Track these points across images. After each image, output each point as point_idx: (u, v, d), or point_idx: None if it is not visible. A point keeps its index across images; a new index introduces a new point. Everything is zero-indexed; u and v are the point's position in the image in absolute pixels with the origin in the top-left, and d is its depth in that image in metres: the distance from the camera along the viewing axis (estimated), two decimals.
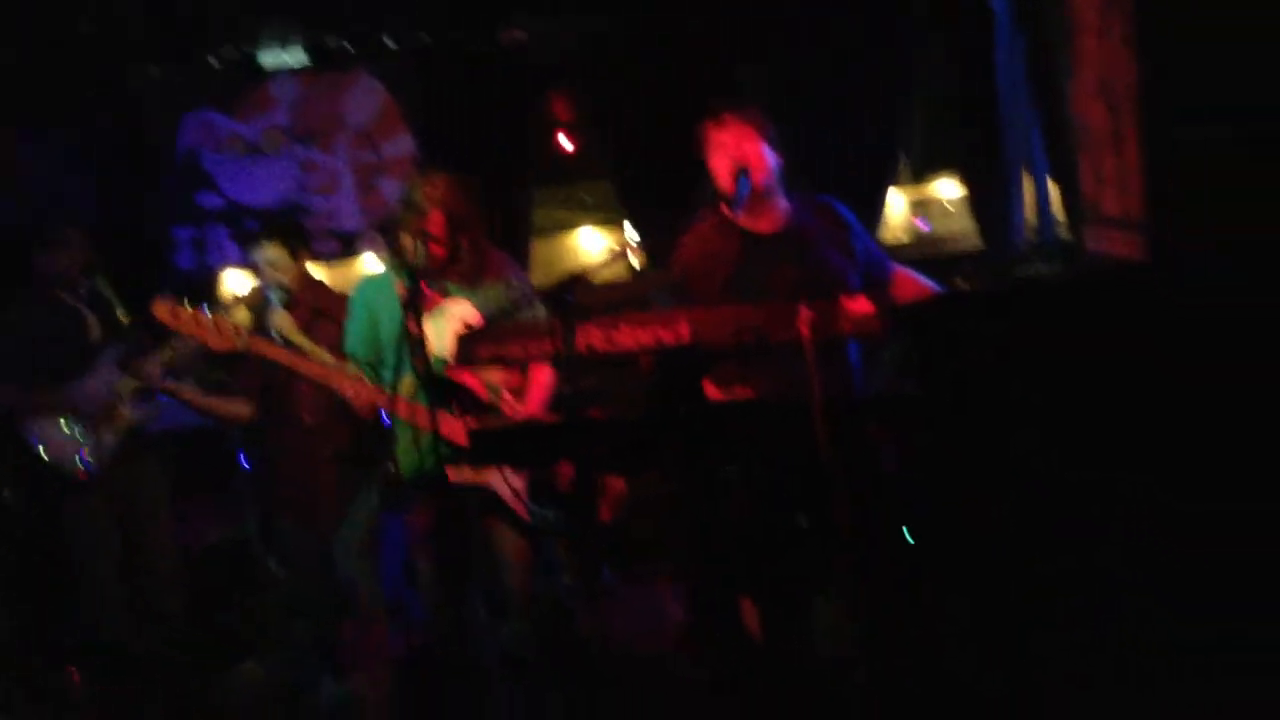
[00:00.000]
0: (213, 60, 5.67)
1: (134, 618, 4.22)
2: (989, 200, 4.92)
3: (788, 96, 5.26)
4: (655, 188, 5.23)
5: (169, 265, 5.71)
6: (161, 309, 3.36)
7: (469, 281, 3.43)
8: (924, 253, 6.02)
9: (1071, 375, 2.09)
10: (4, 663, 4.46)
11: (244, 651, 4.59)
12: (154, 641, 4.28)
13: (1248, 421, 2.11)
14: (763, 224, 3.18)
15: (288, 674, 4.24)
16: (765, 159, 3.12)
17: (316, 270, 5.73)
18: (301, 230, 4.30)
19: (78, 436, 4.06)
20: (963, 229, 5.43)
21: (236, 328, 3.38)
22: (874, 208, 5.26)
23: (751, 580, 3.21)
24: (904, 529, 2.60)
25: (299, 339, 3.64)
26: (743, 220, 3.17)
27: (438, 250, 3.28)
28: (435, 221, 3.29)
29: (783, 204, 3.23)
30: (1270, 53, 2.62)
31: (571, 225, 6.63)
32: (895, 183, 5.65)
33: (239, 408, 4.08)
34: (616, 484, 4.09)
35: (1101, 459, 2.08)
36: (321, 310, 3.97)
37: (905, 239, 6.27)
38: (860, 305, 2.56)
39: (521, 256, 5.60)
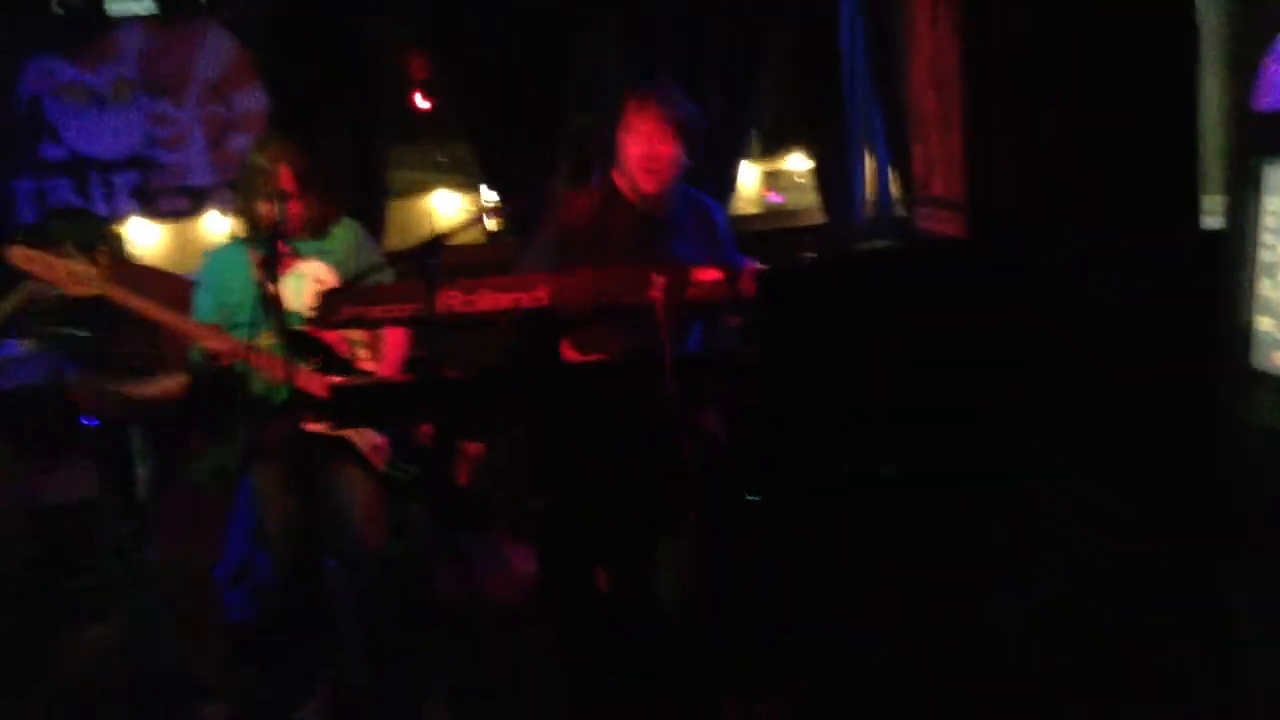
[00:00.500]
0: (56, 6, 5.49)
1: None
2: (832, 176, 5.13)
3: (640, 68, 5.38)
4: (515, 152, 5.28)
5: (9, 218, 5.48)
6: (16, 252, 3.28)
7: (316, 234, 3.48)
8: (775, 225, 6.23)
9: (886, 340, 2.27)
10: None
11: (93, 617, 4.53)
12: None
13: (1048, 397, 2.33)
14: (647, 205, 3.30)
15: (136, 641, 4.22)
16: (676, 162, 3.25)
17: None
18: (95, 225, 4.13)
19: None
20: (812, 203, 5.63)
21: (92, 271, 3.32)
22: (726, 181, 5.41)
23: (597, 535, 3.38)
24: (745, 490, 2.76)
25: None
26: (628, 195, 3.29)
27: (294, 207, 3.33)
28: (286, 178, 3.33)
29: (676, 191, 3.37)
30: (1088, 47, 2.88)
31: (427, 187, 6.60)
32: (747, 156, 5.82)
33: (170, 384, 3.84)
34: (472, 446, 4.17)
35: (912, 418, 2.27)
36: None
37: (757, 210, 6.45)
38: (709, 273, 2.72)
39: (377, 215, 5.58)
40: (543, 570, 3.23)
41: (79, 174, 5.56)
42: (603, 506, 3.36)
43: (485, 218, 5.77)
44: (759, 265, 3.50)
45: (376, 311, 2.66)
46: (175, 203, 5.62)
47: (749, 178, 6.40)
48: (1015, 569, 2.46)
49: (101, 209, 5.61)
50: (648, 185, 3.22)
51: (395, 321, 2.69)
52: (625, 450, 3.20)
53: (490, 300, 2.65)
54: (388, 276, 3.28)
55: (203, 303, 3.50)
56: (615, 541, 3.33)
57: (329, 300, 2.66)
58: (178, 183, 5.62)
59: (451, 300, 2.64)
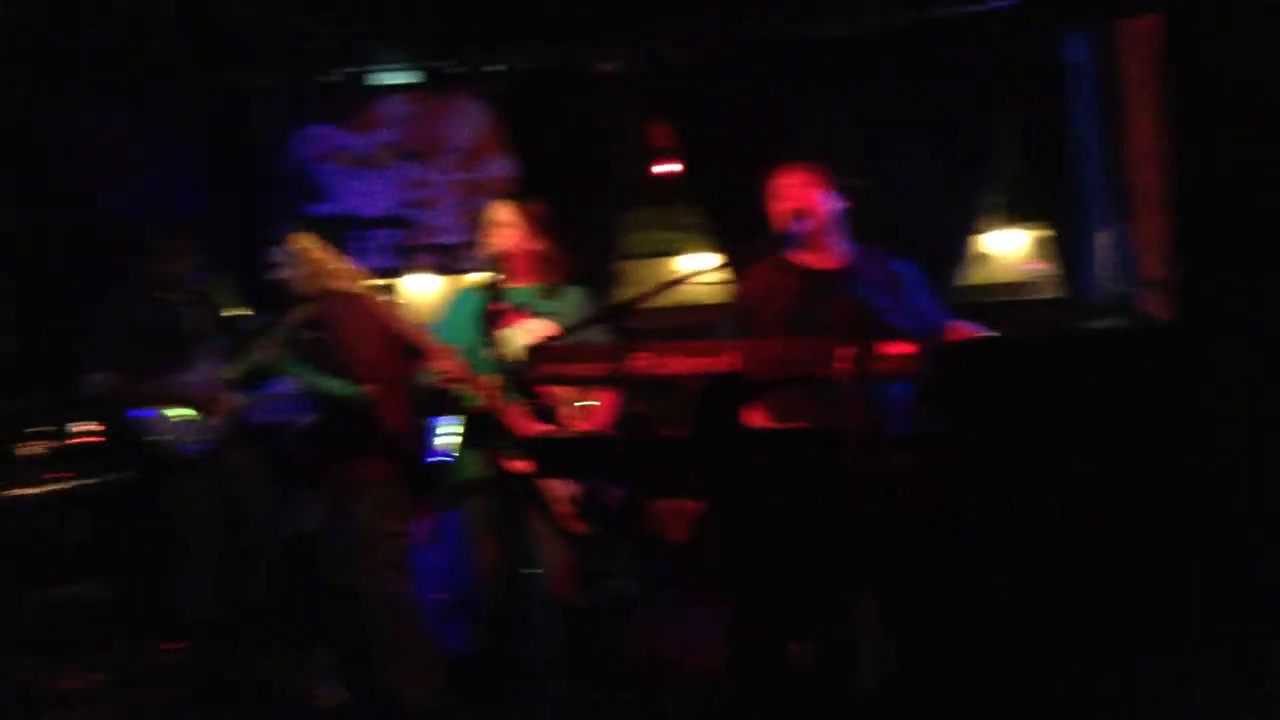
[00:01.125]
0: (327, 78, 6.04)
1: (225, 597, 4.52)
2: (1068, 252, 4.99)
3: (873, 135, 5.42)
4: (737, 218, 5.39)
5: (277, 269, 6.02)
6: (299, 238, 3.66)
7: (547, 293, 3.71)
8: (1014, 296, 6.07)
9: (1073, 426, 2.21)
10: (106, 636, 4.81)
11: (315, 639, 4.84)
12: (241, 621, 4.58)
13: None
14: (821, 261, 3.40)
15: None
16: (824, 204, 3.36)
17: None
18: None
19: (183, 423, 4.39)
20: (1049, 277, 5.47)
21: (354, 272, 3.62)
22: (958, 249, 5.34)
23: (789, 602, 3.38)
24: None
25: None
26: (801, 258, 3.38)
27: (520, 264, 3.57)
28: (514, 238, 3.59)
29: (842, 245, 3.44)
30: None
31: (672, 248, 6.80)
32: (982, 227, 5.72)
33: None
34: (690, 504, 4.28)
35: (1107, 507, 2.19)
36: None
37: (995, 280, 6.33)
38: (898, 346, 2.72)
39: (608, 276, 5.82)
40: (731, 635, 3.25)
41: (342, 231, 6.05)
42: (786, 573, 3.41)
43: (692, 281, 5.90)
44: (977, 329, 3.49)
45: (574, 369, 2.80)
46: (426, 258, 6.02)
47: (996, 246, 6.29)
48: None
49: (361, 262, 6.09)
50: (796, 237, 3.32)
51: (588, 381, 2.82)
52: (804, 518, 3.24)
53: (678, 364, 2.74)
54: (593, 336, 3.42)
55: (442, 330, 3.80)
56: (807, 610, 3.36)
57: (532, 356, 2.82)
58: (429, 240, 6.04)
59: (642, 362, 2.75)
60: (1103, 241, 4.88)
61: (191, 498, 4.42)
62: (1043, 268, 5.76)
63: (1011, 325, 4.21)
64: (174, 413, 4.38)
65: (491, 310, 3.47)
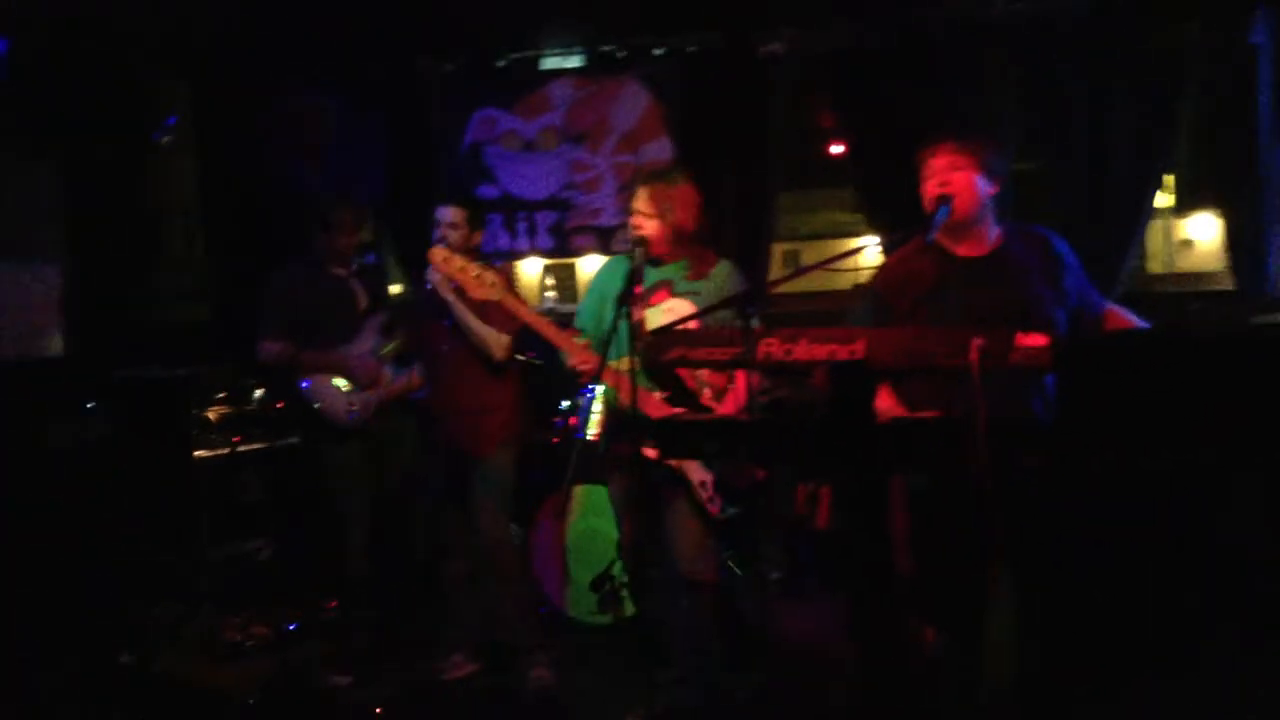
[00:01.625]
0: (500, 61, 6.23)
1: (383, 558, 4.75)
2: (1243, 243, 4.73)
3: (1045, 121, 5.27)
4: (897, 202, 5.31)
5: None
6: (436, 253, 3.86)
7: (691, 275, 3.74)
8: (1184, 287, 5.83)
9: (1215, 425, 2.13)
10: (274, 593, 5.12)
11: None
12: (395, 582, 4.82)
13: None
14: (965, 248, 3.29)
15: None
16: (973, 187, 3.23)
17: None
18: (480, 209, 4.61)
19: (346, 393, 4.63)
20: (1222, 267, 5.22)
21: (495, 280, 3.80)
22: (1130, 237, 5.14)
23: (918, 594, 3.36)
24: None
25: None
26: (946, 242, 3.30)
27: (651, 248, 3.61)
28: (650, 216, 3.62)
29: (991, 230, 3.32)
30: None
31: (838, 231, 6.77)
32: (1155, 214, 5.50)
33: (499, 339, 4.31)
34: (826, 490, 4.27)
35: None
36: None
37: (1163, 270, 6.08)
38: (1032, 339, 2.65)
39: (763, 258, 5.83)
40: (856, 623, 3.24)
41: (508, 211, 6.24)
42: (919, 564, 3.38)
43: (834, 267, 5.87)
44: (1134, 319, 3.37)
45: (699, 353, 2.82)
46: (585, 239, 6.15)
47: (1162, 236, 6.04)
48: None
49: (524, 243, 6.29)
50: (938, 223, 3.17)
51: (715, 364, 2.84)
52: (933, 508, 3.21)
53: (806, 351, 2.73)
54: (725, 319, 3.41)
55: (583, 308, 3.94)
56: (938, 597, 3.33)
57: (657, 341, 2.86)
58: (589, 223, 6.16)
59: (770, 348, 2.75)
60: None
61: (348, 464, 4.66)
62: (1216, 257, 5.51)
63: (1178, 316, 4.03)
64: (337, 383, 4.62)
65: (633, 290, 3.48)
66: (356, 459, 4.65)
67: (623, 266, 3.79)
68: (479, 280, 3.83)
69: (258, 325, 4.68)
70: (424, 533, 4.95)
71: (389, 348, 4.71)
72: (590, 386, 4.49)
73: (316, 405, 4.62)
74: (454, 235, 4.35)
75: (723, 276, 3.78)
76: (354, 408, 4.60)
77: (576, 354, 3.68)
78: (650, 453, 3.52)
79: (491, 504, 4.39)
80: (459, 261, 3.88)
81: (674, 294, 3.73)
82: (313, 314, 4.67)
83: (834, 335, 2.74)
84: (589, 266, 6.44)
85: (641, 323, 3.48)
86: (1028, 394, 3.13)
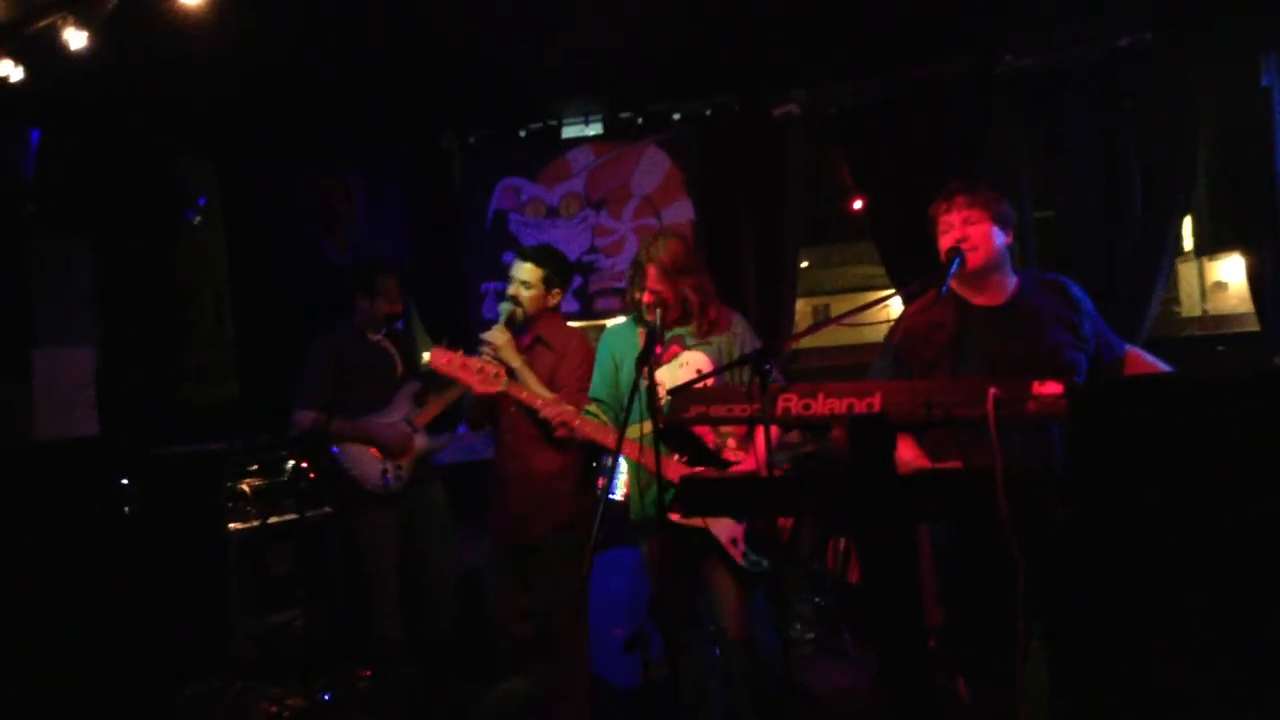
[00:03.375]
0: (521, 131, 6.36)
1: (411, 626, 4.75)
2: (1265, 284, 4.71)
3: (1062, 162, 5.30)
4: (915, 256, 5.35)
5: (476, 314, 6.35)
6: (436, 355, 3.87)
7: (700, 335, 3.77)
8: (1211, 330, 5.81)
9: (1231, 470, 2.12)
10: (306, 660, 5.12)
11: (513, 668, 5.02)
12: (425, 649, 4.81)
13: None
14: (984, 298, 3.32)
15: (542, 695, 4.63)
16: (988, 238, 3.26)
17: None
18: (562, 265, 4.31)
19: (380, 460, 4.67)
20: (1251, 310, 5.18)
21: (498, 372, 3.82)
22: (1153, 282, 5.13)
23: (949, 646, 3.34)
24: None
25: (511, 356, 3.99)
26: (964, 293, 3.32)
27: (658, 302, 3.66)
28: (652, 278, 3.66)
29: (1009, 280, 3.35)
30: None
31: (874, 282, 6.82)
32: (1178, 258, 5.49)
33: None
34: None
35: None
36: (543, 339, 4.21)
37: (1195, 313, 6.05)
38: (1048, 387, 2.66)
39: (786, 315, 5.87)
40: (887, 673, 3.22)
41: None
42: (947, 613, 3.36)
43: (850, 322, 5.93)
44: (1154, 362, 3.36)
45: (718, 410, 2.85)
46: (609, 302, 6.21)
47: (1189, 279, 6.03)
48: None
49: None
50: (951, 274, 3.19)
51: (734, 420, 2.85)
52: (957, 558, 3.20)
53: (824, 405, 2.75)
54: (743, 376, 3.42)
55: (596, 380, 3.93)
56: (970, 649, 3.31)
57: (677, 398, 2.88)
58: (613, 285, 6.22)
59: (789, 403, 2.78)
60: None
61: (381, 532, 4.68)
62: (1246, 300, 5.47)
63: (1205, 360, 4.01)
64: (369, 450, 4.66)
65: (654, 350, 3.50)
66: (389, 525, 4.68)
67: (630, 331, 3.84)
68: (481, 375, 3.86)
69: (296, 393, 4.73)
70: (449, 600, 4.95)
71: (420, 415, 4.76)
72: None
73: (350, 472, 4.65)
74: (526, 294, 4.15)
75: (734, 330, 3.81)
76: (387, 475, 4.63)
77: (600, 435, 3.73)
78: (675, 516, 3.52)
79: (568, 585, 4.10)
80: (458, 360, 3.88)
81: (686, 348, 3.76)
82: (353, 381, 4.73)
83: (851, 389, 2.76)
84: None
85: (658, 383, 3.47)
86: (1052, 442, 3.13)
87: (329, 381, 4.69)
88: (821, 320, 5.96)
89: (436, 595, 4.88)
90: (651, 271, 3.71)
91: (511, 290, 4.16)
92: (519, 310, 4.13)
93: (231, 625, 5.11)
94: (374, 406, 4.73)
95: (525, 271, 4.15)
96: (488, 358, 3.94)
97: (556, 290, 4.23)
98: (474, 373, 3.86)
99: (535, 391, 3.91)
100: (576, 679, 4.38)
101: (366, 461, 4.66)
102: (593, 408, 3.88)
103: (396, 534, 4.70)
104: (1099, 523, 2.45)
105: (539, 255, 4.24)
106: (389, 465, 4.66)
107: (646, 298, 3.69)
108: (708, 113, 6.06)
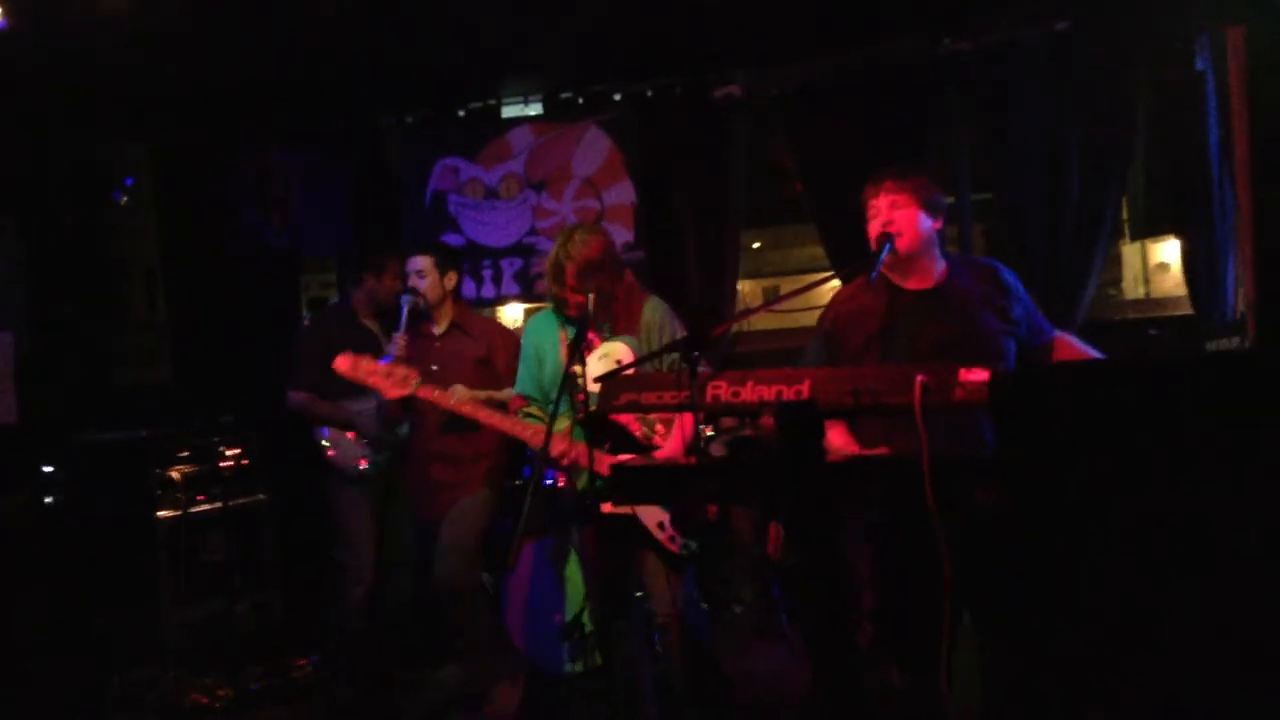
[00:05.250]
0: (460, 111, 6.27)
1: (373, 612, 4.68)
2: (1199, 269, 4.74)
3: (1003, 145, 5.31)
4: (855, 237, 5.34)
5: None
6: (342, 361, 3.85)
7: (616, 329, 3.74)
8: (1145, 313, 5.87)
9: (1150, 455, 2.12)
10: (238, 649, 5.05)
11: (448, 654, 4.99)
12: (384, 634, 4.75)
13: None
14: (912, 282, 3.30)
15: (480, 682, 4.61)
16: (915, 224, 3.25)
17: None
18: (448, 250, 4.76)
19: (359, 445, 4.62)
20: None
21: (407, 376, 3.79)
22: (1089, 265, 5.16)
23: (882, 631, 3.34)
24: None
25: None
26: (893, 277, 3.31)
27: (573, 297, 3.64)
28: (569, 273, 3.62)
29: (938, 264, 3.33)
30: None
31: (823, 264, 6.78)
32: (1116, 239, 5.54)
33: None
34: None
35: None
36: (460, 325, 4.51)
37: (1135, 295, 6.12)
38: (975, 374, 2.65)
39: (729, 297, 5.86)
40: (817, 657, 3.21)
41: (473, 259, 6.24)
42: (879, 599, 3.36)
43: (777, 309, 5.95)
44: (1083, 346, 3.37)
45: (648, 398, 2.81)
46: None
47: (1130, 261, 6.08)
48: None
49: (490, 290, 6.29)
50: (880, 261, 3.17)
51: (663, 408, 2.82)
52: (885, 545, 3.20)
53: (754, 392, 2.72)
54: (672, 362, 3.37)
55: (522, 374, 3.90)
56: (902, 634, 3.32)
57: (605, 387, 2.84)
58: None
59: (718, 390, 2.75)
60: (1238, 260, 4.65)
61: (357, 513, 4.64)
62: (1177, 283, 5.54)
63: (1138, 344, 4.04)
64: (349, 435, 4.63)
65: (571, 343, 3.47)
66: (362, 512, 4.64)
67: (550, 323, 3.81)
68: (390, 378, 3.88)
69: (289, 373, 4.71)
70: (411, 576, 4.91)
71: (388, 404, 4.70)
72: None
73: (329, 453, 4.62)
74: (424, 283, 4.45)
75: (655, 317, 3.77)
76: (359, 462, 4.58)
77: (529, 436, 3.70)
78: (606, 507, 3.50)
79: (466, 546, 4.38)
80: (365, 365, 3.92)
81: (604, 338, 3.73)
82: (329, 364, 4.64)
83: (780, 376, 2.73)
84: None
85: (579, 377, 3.41)
86: (982, 428, 3.12)
87: (320, 363, 4.56)
88: (746, 308, 5.94)
89: (403, 575, 4.83)
90: (570, 270, 3.68)
91: (410, 284, 4.47)
92: (420, 300, 4.45)
93: (161, 615, 5.02)
94: (351, 391, 4.64)
95: (419, 263, 4.48)
96: (398, 360, 3.99)
97: (451, 273, 4.54)
98: (382, 377, 3.84)
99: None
100: (501, 656, 4.43)
101: (343, 445, 4.62)
102: (533, 410, 3.85)
103: (370, 518, 4.65)
104: (1024, 509, 2.46)
105: (427, 247, 4.67)
106: (366, 452, 4.60)
107: (570, 296, 3.67)
108: (649, 93, 6.00)
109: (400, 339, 4.35)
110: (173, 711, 4.71)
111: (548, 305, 3.95)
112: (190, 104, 5.92)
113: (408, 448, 4.62)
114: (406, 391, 3.89)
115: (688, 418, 3.61)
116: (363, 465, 4.61)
